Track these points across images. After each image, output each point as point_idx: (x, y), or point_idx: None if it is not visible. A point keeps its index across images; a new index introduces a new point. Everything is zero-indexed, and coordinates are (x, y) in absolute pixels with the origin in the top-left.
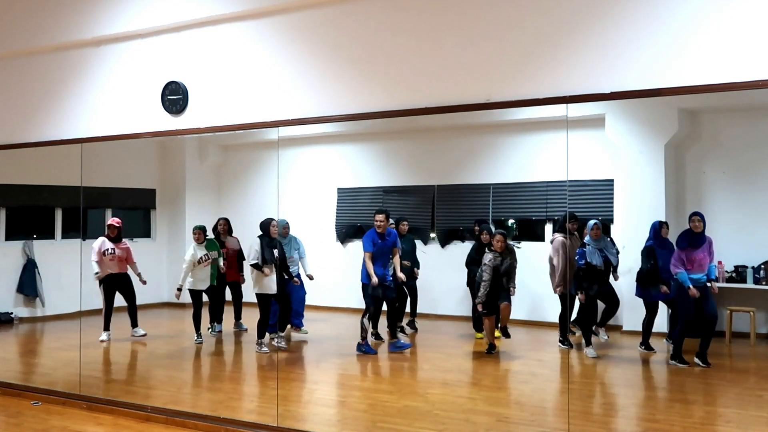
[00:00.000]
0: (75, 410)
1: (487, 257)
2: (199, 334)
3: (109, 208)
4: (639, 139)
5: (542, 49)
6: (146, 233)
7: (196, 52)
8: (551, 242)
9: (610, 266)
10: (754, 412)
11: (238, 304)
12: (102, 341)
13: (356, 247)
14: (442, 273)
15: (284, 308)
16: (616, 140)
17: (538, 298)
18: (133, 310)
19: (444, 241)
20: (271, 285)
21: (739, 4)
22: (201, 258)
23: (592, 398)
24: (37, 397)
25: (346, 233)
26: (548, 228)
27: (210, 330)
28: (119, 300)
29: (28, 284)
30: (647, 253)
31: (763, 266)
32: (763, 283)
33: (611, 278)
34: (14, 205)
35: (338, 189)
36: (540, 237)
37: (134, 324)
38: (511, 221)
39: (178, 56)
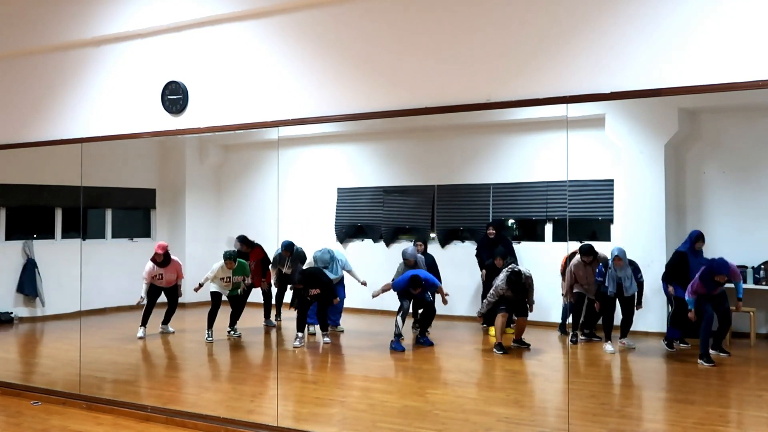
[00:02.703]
0: (75, 410)
1: (501, 280)
2: (210, 333)
3: (109, 208)
4: (639, 139)
5: (542, 49)
6: (146, 233)
7: (196, 52)
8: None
9: (623, 293)
10: (754, 412)
11: (267, 304)
12: (139, 338)
13: (356, 247)
14: (442, 273)
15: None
16: (616, 140)
17: (538, 298)
18: (171, 312)
19: (444, 241)
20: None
21: (738, 4)
22: (223, 278)
23: (592, 398)
24: (37, 397)
25: (346, 233)
26: (548, 228)
27: (230, 332)
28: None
29: (28, 284)
30: (679, 258)
31: (763, 266)
32: (763, 283)
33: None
34: (14, 205)
35: (338, 189)
36: (540, 237)
37: (165, 322)
38: (511, 221)
39: (178, 56)
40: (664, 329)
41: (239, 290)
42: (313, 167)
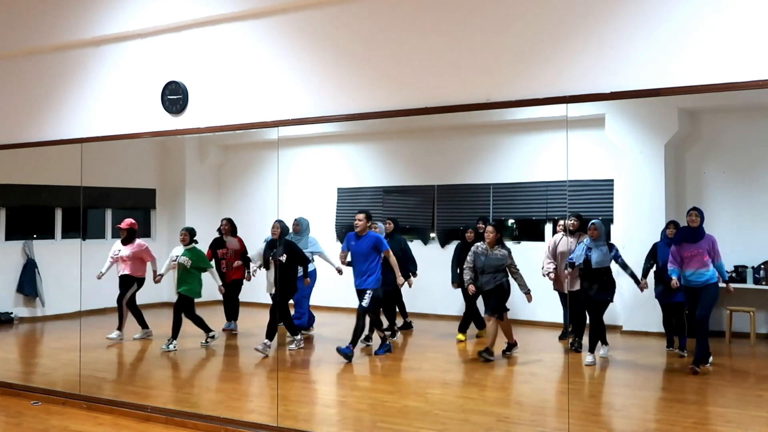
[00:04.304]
0: (75, 410)
1: (478, 246)
2: (209, 335)
3: (109, 208)
4: (639, 139)
5: (542, 49)
6: (146, 233)
7: (196, 52)
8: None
9: (590, 265)
10: (754, 412)
11: (235, 304)
12: (108, 338)
13: None
14: (442, 273)
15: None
16: (616, 140)
17: (538, 298)
18: (134, 312)
19: (444, 241)
20: (269, 286)
21: (738, 4)
22: (174, 259)
23: (592, 398)
24: (37, 397)
25: (346, 233)
26: (548, 228)
27: (204, 342)
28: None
29: (28, 284)
30: (649, 251)
31: (763, 266)
32: (763, 283)
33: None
34: (14, 205)
35: (338, 189)
36: (540, 237)
37: (142, 325)
38: (511, 221)
39: (178, 56)
40: (663, 329)
41: (187, 282)
42: (313, 167)
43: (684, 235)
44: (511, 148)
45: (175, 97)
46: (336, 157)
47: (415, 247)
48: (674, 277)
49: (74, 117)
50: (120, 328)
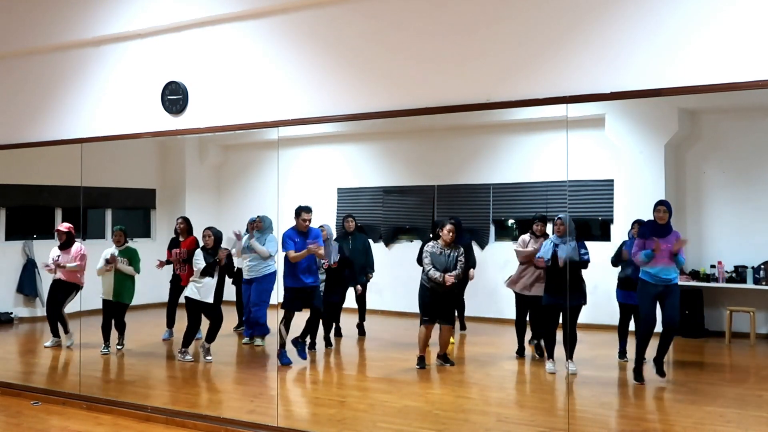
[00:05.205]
0: (75, 410)
1: (429, 245)
2: (106, 345)
3: (109, 208)
4: (639, 139)
5: (542, 49)
6: (146, 233)
7: (196, 52)
8: None
9: (556, 262)
10: (754, 412)
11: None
12: (45, 347)
13: None
14: None
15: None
16: (616, 140)
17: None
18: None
19: None
20: (199, 291)
21: (739, 5)
22: (107, 258)
23: (592, 398)
24: (37, 397)
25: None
26: (548, 228)
27: (109, 347)
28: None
29: (28, 284)
30: (616, 251)
31: (763, 266)
32: (763, 283)
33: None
34: (14, 205)
35: (338, 189)
36: None
37: (65, 330)
38: (511, 221)
39: (178, 56)
40: (618, 333)
41: (124, 288)
42: (313, 167)
43: (652, 230)
44: (511, 148)
45: (175, 97)
46: (336, 157)
47: (416, 247)
48: (642, 257)
49: (74, 117)
50: (66, 330)
